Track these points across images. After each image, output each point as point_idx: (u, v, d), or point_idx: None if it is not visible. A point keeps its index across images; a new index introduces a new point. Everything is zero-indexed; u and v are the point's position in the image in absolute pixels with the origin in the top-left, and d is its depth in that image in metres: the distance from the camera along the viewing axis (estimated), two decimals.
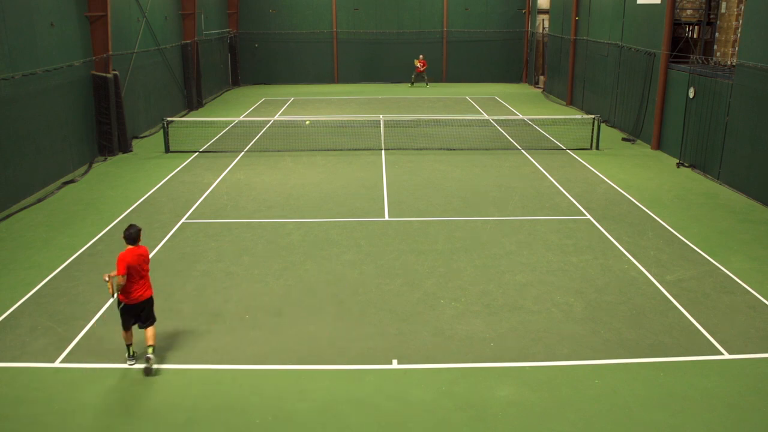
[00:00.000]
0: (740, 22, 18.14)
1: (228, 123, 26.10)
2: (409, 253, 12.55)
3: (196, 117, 28.04)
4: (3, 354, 8.97)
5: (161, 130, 22.38)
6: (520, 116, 27.67)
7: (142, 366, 8.62)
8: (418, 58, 38.53)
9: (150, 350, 8.57)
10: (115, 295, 8.55)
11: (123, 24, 22.33)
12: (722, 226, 14.16)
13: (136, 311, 8.66)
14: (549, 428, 7.41)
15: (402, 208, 15.32)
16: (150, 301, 8.77)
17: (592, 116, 22.74)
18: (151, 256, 12.35)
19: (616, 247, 12.86)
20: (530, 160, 20.13)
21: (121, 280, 8.34)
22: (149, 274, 8.79)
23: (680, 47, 21.30)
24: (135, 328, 8.87)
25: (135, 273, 8.48)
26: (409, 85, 38.96)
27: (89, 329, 9.66)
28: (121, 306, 8.59)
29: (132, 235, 8.55)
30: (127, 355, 8.77)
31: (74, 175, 18.43)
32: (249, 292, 10.88)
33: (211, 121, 25.94)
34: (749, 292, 10.88)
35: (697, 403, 7.85)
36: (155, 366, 8.60)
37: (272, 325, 9.78)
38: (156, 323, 8.94)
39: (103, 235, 13.62)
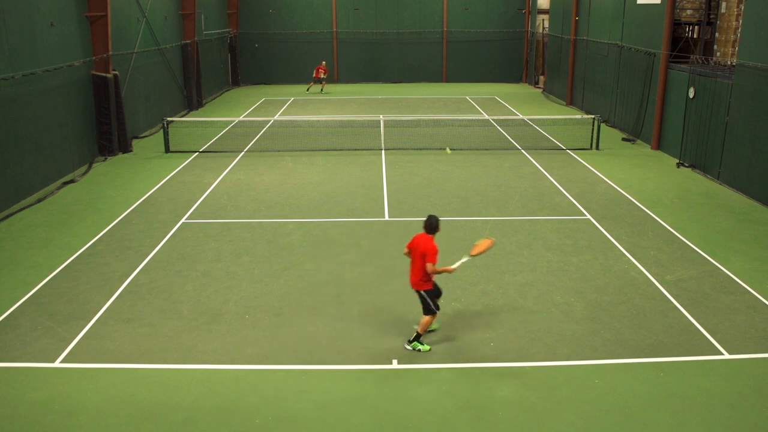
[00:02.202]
0: (740, 22, 18.14)
1: (228, 123, 26.10)
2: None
3: (196, 117, 28.04)
4: (3, 354, 8.97)
5: (161, 130, 22.39)
6: (520, 116, 27.67)
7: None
8: (320, 65, 36.53)
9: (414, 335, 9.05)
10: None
11: (123, 24, 22.33)
12: (722, 226, 14.16)
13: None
14: (549, 428, 7.41)
15: (402, 208, 15.32)
16: (418, 294, 8.97)
17: (592, 116, 22.74)
18: (150, 256, 12.39)
19: (616, 247, 12.86)
20: (530, 160, 20.13)
21: (405, 252, 9.07)
22: (424, 271, 8.83)
23: (680, 47, 21.30)
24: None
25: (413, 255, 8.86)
26: (320, 90, 36.88)
27: (89, 329, 9.66)
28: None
29: (425, 224, 8.91)
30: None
31: (74, 175, 18.43)
32: (249, 292, 10.88)
33: (211, 121, 25.94)
34: (749, 292, 10.88)
35: (697, 403, 7.85)
36: (408, 346, 9.07)
37: (272, 325, 9.78)
38: (430, 316, 8.99)
39: (103, 235, 13.62)
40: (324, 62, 37.26)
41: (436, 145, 22.15)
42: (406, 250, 9.08)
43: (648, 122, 22.39)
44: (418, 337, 9.04)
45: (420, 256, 8.75)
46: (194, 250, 12.78)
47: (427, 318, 8.95)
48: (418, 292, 8.99)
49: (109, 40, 20.17)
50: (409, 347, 9.05)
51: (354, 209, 15.29)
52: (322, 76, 36.00)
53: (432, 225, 8.86)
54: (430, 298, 8.97)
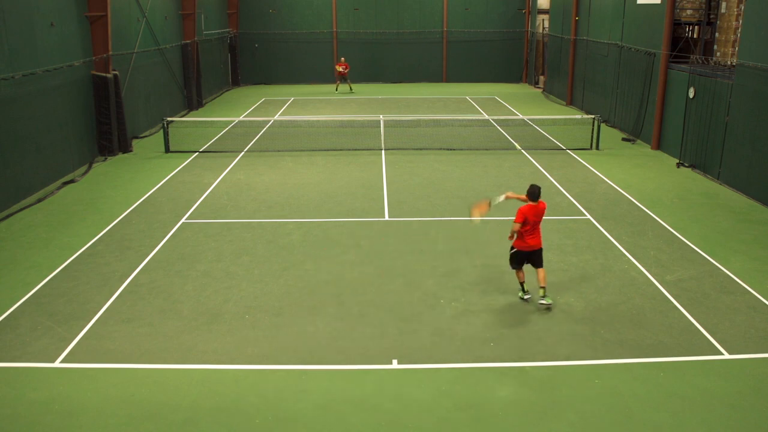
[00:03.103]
0: (740, 22, 18.14)
1: (228, 123, 26.10)
2: (409, 253, 12.55)
3: (196, 117, 28.04)
4: (3, 354, 8.97)
5: (161, 130, 22.39)
6: (520, 116, 27.67)
7: (540, 301, 10.19)
8: (339, 61, 36.29)
9: (541, 292, 10.13)
10: (513, 239, 10.16)
11: (123, 24, 22.34)
12: (722, 226, 14.16)
13: (526, 257, 10.18)
14: (549, 428, 7.41)
15: (402, 208, 15.32)
16: (540, 252, 10.19)
17: (592, 116, 22.74)
18: (150, 256, 12.40)
19: (616, 247, 12.86)
20: (530, 160, 20.13)
21: (516, 227, 9.91)
22: (541, 228, 10.22)
23: (680, 47, 21.30)
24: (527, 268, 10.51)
25: (531, 224, 9.95)
26: (335, 90, 36.91)
27: (89, 329, 9.66)
28: (513, 251, 10.25)
29: (534, 192, 9.95)
30: (521, 292, 10.52)
31: (74, 175, 18.43)
32: (249, 292, 10.88)
33: (211, 121, 25.94)
34: (749, 292, 10.88)
35: (697, 403, 7.85)
36: (550, 302, 10.19)
37: (272, 325, 9.78)
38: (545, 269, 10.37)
39: (103, 235, 13.62)
40: (342, 58, 36.84)
41: (436, 145, 22.15)
42: (517, 226, 9.91)
43: (648, 122, 22.39)
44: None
45: (539, 219, 10.01)
46: (194, 250, 12.78)
47: (543, 268, 10.27)
48: (540, 250, 10.19)
49: (109, 40, 20.17)
50: (545, 302, 10.14)
51: (354, 209, 15.29)
52: (340, 70, 35.51)
53: (534, 193, 9.94)
54: None
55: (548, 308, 10.19)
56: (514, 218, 9.98)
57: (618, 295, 10.75)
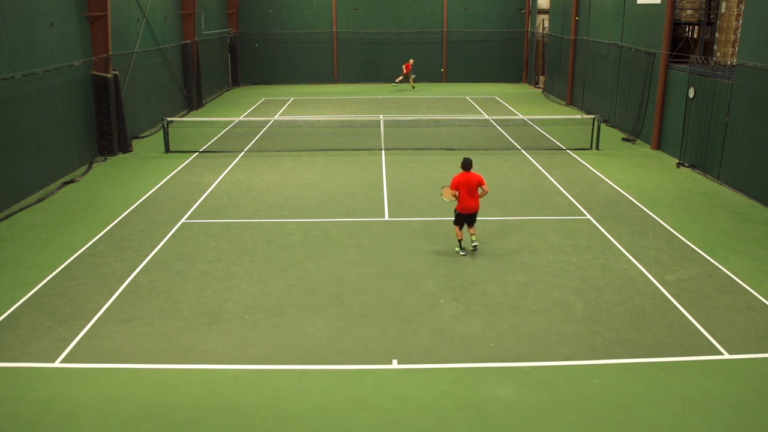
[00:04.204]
0: (740, 22, 18.14)
1: (228, 123, 26.10)
2: (409, 253, 12.55)
3: (196, 117, 28.04)
4: (3, 354, 8.97)
5: (161, 130, 22.40)
6: (520, 116, 27.67)
7: (472, 245, 12.30)
8: (408, 62, 37.49)
9: (473, 238, 12.32)
10: (454, 203, 12.43)
11: (123, 24, 22.34)
12: (722, 226, 14.16)
13: (466, 219, 12.17)
14: (549, 428, 7.41)
15: (402, 208, 15.33)
16: (475, 215, 12.21)
17: (592, 116, 22.74)
18: (150, 256, 12.40)
19: (616, 247, 12.86)
20: (530, 160, 20.13)
21: (447, 193, 12.22)
22: (480, 194, 12.05)
23: (680, 47, 21.30)
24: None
25: (465, 191, 11.90)
26: (412, 87, 37.71)
27: (89, 329, 9.66)
28: (456, 213, 12.26)
29: (464, 163, 11.97)
30: (458, 248, 12.47)
31: (74, 175, 18.43)
32: (249, 292, 10.88)
33: (211, 121, 25.94)
34: (749, 292, 10.88)
35: (697, 403, 7.85)
36: (477, 243, 12.37)
37: (272, 325, 9.78)
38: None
39: (103, 235, 13.62)
40: (411, 60, 37.77)
41: (436, 145, 22.15)
42: (452, 190, 12.00)
43: (648, 122, 22.39)
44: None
45: (476, 186, 11.95)
46: (194, 250, 12.78)
47: (475, 228, 12.51)
48: (476, 213, 12.17)
49: (109, 40, 20.18)
50: (474, 243, 12.27)
51: (354, 209, 15.29)
52: (405, 73, 37.00)
53: (463, 164, 11.98)
54: None
55: (475, 248, 12.32)
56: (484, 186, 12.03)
57: (618, 295, 10.75)
